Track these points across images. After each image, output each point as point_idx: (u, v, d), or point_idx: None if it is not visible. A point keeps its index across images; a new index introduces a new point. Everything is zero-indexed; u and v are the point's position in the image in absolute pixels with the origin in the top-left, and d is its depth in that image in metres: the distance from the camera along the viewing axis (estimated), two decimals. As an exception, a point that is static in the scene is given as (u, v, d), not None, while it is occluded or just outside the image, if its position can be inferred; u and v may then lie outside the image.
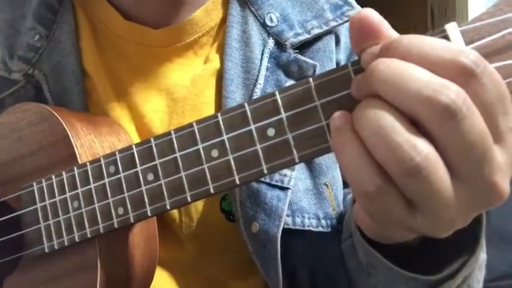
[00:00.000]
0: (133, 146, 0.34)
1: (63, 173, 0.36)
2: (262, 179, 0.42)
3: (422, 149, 0.22)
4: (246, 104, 0.30)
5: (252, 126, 0.29)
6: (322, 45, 0.46)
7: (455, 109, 0.21)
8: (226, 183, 0.30)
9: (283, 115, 0.29)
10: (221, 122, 0.30)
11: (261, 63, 0.44)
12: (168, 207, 0.32)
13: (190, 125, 0.32)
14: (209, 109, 0.46)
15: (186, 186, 0.31)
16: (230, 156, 0.30)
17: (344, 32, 0.49)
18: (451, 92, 0.21)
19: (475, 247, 0.30)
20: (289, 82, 0.45)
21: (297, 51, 0.45)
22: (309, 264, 0.47)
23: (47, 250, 0.37)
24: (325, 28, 0.45)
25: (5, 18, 0.48)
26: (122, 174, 0.34)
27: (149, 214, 0.33)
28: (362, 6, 0.47)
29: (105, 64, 0.47)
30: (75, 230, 0.35)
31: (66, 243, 0.36)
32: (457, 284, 0.31)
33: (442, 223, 0.24)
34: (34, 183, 0.38)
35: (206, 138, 0.31)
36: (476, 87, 0.21)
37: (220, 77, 0.45)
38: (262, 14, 0.45)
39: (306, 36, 0.45)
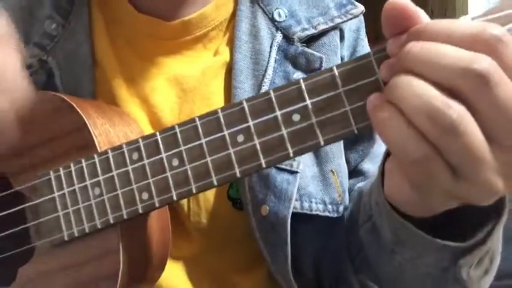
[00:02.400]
0: (158, 134, 0.37)
1: (83, 161, 0.40)
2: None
3: (457, 108, 0.26)
4: (271, 91, 0.34)
5: (278, 113, 0.33)
6: (328, 40, 0.51)
7: (488, 75, 0.25)
8: (252, 166, 0.34)
9: (308, 102, 0.33)
10: (246, 109, 0.34)
11: (269, 55, 0.49)
12: (193, 191, 0.36)
13: (215, 112, 0.36)
14: (219, 99, 0.50)
15: (211, 170, 0.35)
16: (256, 141, 0.34)
17: (348, 30, 0.53)
18: (483, 61, 0.26)
19: (500, 216, 0.35)
20: (297, 73, 0.49)
21: (304, 44, 0.50)
22: (314, 251, 0.51)
23: (66, 238, 0.40)
24: (330, 24, 0.50)
25: (23, 4, 0.51)
26: (145, 161, 0.37)
27: (174, 198, 0.36)
28: (366, 6, 0.53)
29: (116, 55, 0.50)
30: (96, 217, 0.39)
31: (87, 231, 0.39)
32: (483, 253, 0.36)
33: (484, 188, 0.28)
34: (51, 172, 0.41)
35: (231, 125, 0.35)
36: (503, 55, 0.26)
37: (230, 68, 0.50)
38: (271, 10, 0.50)
39: (313, 31, 0.50)
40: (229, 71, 0.50)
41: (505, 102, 0.26)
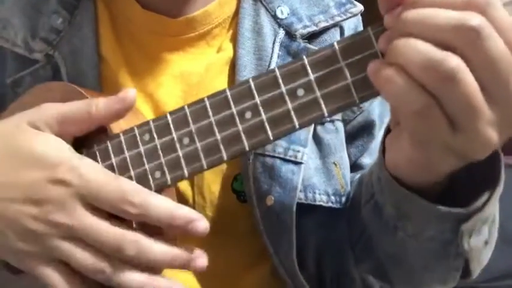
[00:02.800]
0: (168, 114, 0.39)
1: (95, 146, 0.42)
2: (277, 154, 0.49)
3: (454, 58, 0.29)
4: (276, 69, 0.36)
5: (283, 88, 0.36)
6: (328, 37, 0.54)
7: (480, 29, 0.28)
8: (261, 140, 0.36)
9: (311, 76, 0.35)
10: (253, 86, 0.37)
11: (272, 51, 0.51)
12: (204, 166, 0.38)
13: (223, 91, 0.38)
14: None
15: (221, 146, 0.37)
16: (263, 116, 0.36)
17: (347, 28, 0.56)
18: (475, 17, 0.29)
19: (496, 183, 0.37)
20: None
21: (306, 41, 0.52)
22: (316, 244, 0.52)
23: None
24: (331, 22, 0.53)
25: (30, 0, 0.53)
26: (157, 141, 0.39)
27: (186, 175, 0.38)
28: (365, 6, 0.57)
29: (121, 50, 0.53)
30: None
31: None
32: (482, 220, 0.38)
33: (479, 139, 0.30)
34: None
35: (239, 102, 0.37)
36: (493, 13, 0.29)
37: (233, 64, 0.52)
38: (273, 7, 0.53)
39: (314, 28, 0.52)
40: (233, 66, 0.52)
41: (496, 55, 0.29)
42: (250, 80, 0.37)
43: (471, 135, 0.31)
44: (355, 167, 0.56)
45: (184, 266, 0.39)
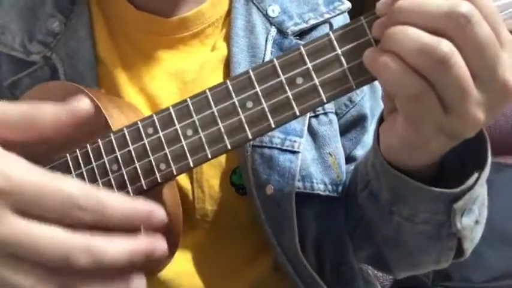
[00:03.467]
0: (170, 107, 0.42)
1: (99, 140, 0.44)
2: (274, 145, 0.52)
3: (447, 43, 0.32)
4: (274, 59, 0.39)
5: (282, 77, 0.38)
6: (318, 33, 0.56)
7: (469, 16, 0.31)
8: (263, 128, 0.39)
9: (309, 64, 0.38)
10: (253, 76, 0.39)
11: (265, 49, 0.54)
12: (209, 156, 0.40)
13: (224, 83, 0.40)
14: None
15: (224, 135, 0.39)
16: (264, 105, 0.39)
17: (336, 25, 0.59)
18: (465, 4, 0.32)
19: (484, 163, 0.40)
20: None
21: (297, 38, 0.55)
22: (315, 235, 0.55)
23: None
24: (320, 19, 0.56)
25: (26, 4, 0.56)
26: (161, 133, 0.41)
27: (191, 165, 0.40)
28: (364, 5, 0.60)
29: (117, 51, 0.55)
30: (116, 190, 0.43)
31: None
32: (473, 199, 0.41)
33: (469, 119, 0.33)
34: (67, 154, 0.46)
35: (240, 92, 0.39)
36: (480, 2, 0.32)
37: (228, 62, 0.55)
38: (265, 7, 0.56)
39: (304, 25, 0.56)
40: (227, 64, 0.55)
41: (484, 40, 0.32)
42: (250, 71, 0.40)
43: (461, 115, 0.34)
44: (349, 159, 0.59)
45: (147, 256, 0.33)
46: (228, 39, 0.56)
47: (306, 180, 0.53)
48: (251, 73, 0.40)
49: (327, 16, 0.57)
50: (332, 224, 0.55)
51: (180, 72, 0.55)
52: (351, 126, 0.60)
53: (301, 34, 0.56)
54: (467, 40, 0.32)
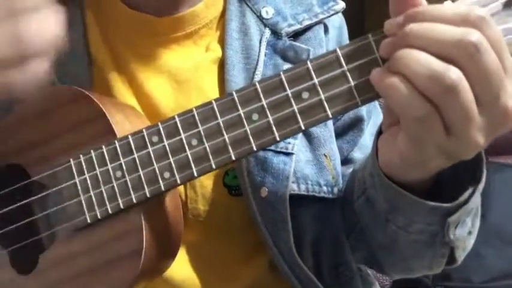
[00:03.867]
0: (176, 116, 0.42)
1: (103, 147, 0.44)
2: (268, 147, 0.53)
3: (455, 70, 0.33)
4: (281, 73, 0.40)
5: (288, 91, 0.39)
6: (313, 34, 0.58)
7: (479, 44, 0.33)
8: (268, 140, 0.40)
9: (316, 80, 0.39)
10: (259, 89, 0.40)
11: (259, 50, 0.55)
12: (213, 166, 0.41)
13: (230, 94, 0.41)
14: (213, 91, 0.55)
15: (229, 146, 0.40)
16: (270, 118, 0.40)
17: (331, 26, 0.60)
18: (475, 33, 0.33)
19: (479, 179, 0.42)
20: (286, 65, 0.55)
21: (292, 39, 0.56)
22: (312, 237, 0.56)
23: (89, 220, 0.44)
24: (314, 20, 0.57)
25: None
26: (165, 142, 0.42)
27: (195, 175, 0.41)
28: (365, 6, 0.61)
29: (111, 50, 0.55)
30: (119, 197, 0.43)
31: (110, 211, 0.43)
32: (467, 212, 0.43)
33: (470, 143, 0.35)
34: (71, 159, 0.46)
35: (246, 104, 0.40)
36: (488, 30, 0.34)
37: (222, 64, 0.55)
38: (258, 8, 0.57)
39: (299, 26, 0.57)
40: (222, 66, 0.55)
41: (491, 68, 0.34)
42: (257, 83, 0.41)
43: (462, 138, 0.35)
44: (346, 161, 0.60)
45: None
46: (222, 40, 0.56)
47: (301, 182, 0.54)
48: (257, 86, 0.41)
49: (321, 16, 0.58)
50: (328, 225, 0.57)
51: (174, 72, 0.56)
52: (348, 128, 0.61)
53: (296, 35, 0.57)
54: (475, 68, 0.34)
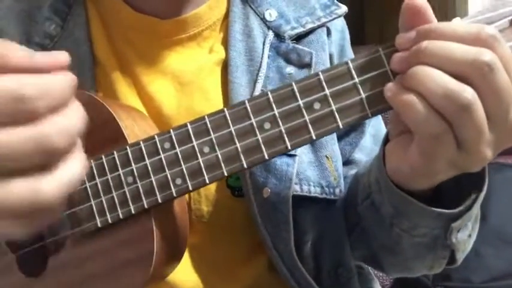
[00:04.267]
0: (188, 124, 0.43)
1: (115, 152, 0.45)
2: None
3: (470, 90, 0.35)
4: (293, 83, 0.41)
5: (300, 101, 0.41)
6: (315, 37, 0.59)
7: (492, 64, 0.35)
8: (279, 149, 0.41)
9: (327, 91, 0.40)
10: (271, 99, 0.41)
11: (263, 52, 0.57)
12: (225, 174, 0.42)
13: (242, 103, 0.42)
14: (216, 93, 0.56)
15: (241, 154, 0.42)
16: (282, 127, 0.41)
17: (334, 30, 0.61)
18: (488, 53, 0.35)
19: (482, 185, 0.44)
20: (289, 68, 0.57)
21: (294, 41, 0.58)
22: (313, 238, 0.57)
23: (99, 225, 0.45)
24: (317, 23, 0.58)
25: (23, 8, 0.56)
26: (178, 149, 0.43)
27: (207, 182, 0.42)
28: (365, 7, 0.63)
29: (115, 52, 0.56)
30: (130, 203, 0.44)
31: (121, 216, 0.44)
32: (470, 216, 0.45)
33: (479, 157, 0.37)
34: None
35: (258, 113, 0.41)
36: (500, 49, 0.35)
37: (225, 65, 0.56)
38: (262, 11, 0.58)
39: (301, 29, 0.58)
40: (225, 67, 0.57)
41: (503, 86, 0.36)
42: (269, 93, 0.42)
43: (472, 153, 0.37)
44: (348, 162, 0.62)
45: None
46: (225, 42, 0.57)
47: (303, 183, 0.56)
48: (270, 95, 0.42)
49: (323, 20, 0.59)
50: (329, 226, 0.58)
51: (177, 73, 0.57)
52: (350, 130, 0.62)
53: (298, 38, 0.58)
54: (488, 87, 0.36)
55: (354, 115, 0.40)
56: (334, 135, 0.60)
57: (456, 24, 0.37)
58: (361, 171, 0.56)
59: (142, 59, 0.57)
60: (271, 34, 0.58)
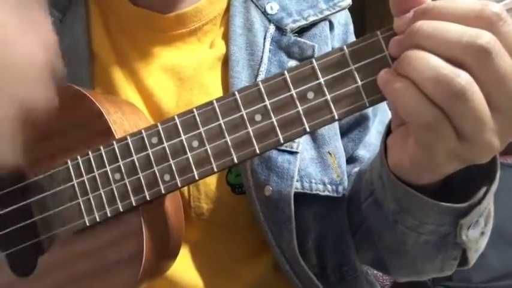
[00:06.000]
0: (176, 117, 0.40)
1: (101, 148, 0.42)
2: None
3: (465, 76, 0.31)
4: (285, 72, 0.37)
5: (293, 91, 0.37)
6: (318, 31, 0.55)
7: (490, 48, 0.30)
8: (271, 142, 0.37)
9: (321, 79, 0.36)
10: (262, 89, 0.37)
11: (264, 46, 0.53)
12: (215, 169, 0.38)
13: (232, 94, 0.38)
14: (216, 88, 0.53)
15: (231, 149, 0.38)
16: (273, 119, 0.37)
17: (337, 24, 0.58)
18: (485, 35, 0.30)
19: (494, 177, 0.40)
20: (291, 62, 0.53)
21: (296, 35, 0.54)
22: (316, 236, 0.54)
23: (88, 223, 0.42)
24: (320, 16, 0.55)
25: None
26: (165, 144, 0.39)
27: (197, 178, 0.39)
28: (365, 6, 0.59)
29: (114, 47, 0.54)
30: (118, 200, 0.41)
31: (109, 215, 0.41)
32: (480, 213, 0.40)
33: (484, 148, 0.33)
34: (69, 161, 0.43)
35: (249, 104, 0.38)
36: (502, 30, 0.31)
37: (226, 60, 0.53)
38: (263, 4, 0.54)
39: (304, 22, 0.54)
40: (226, 62, 0.53)
41: (504, 72, 0.31)
42: (260, 83, 0.38)
43: (476, 144, 0.33)
44: (351, 159, 0.58)
45: None
46: (226, 37, 0.54)
47: (305, 180, 0.52)
48: (261, 85, 0.38)
49: (326, 13, 0.56)
50: (332, 224, 0.55)
51: (177, 69, 0.54)
52: (353, 126, 0.59)
53: (301, 31, 0.55)
54: (487, 72, 0.31)
55: (350, 105, 0.36)
56: (337, 131, 0.56)
57: (457, 2, 0.32)
58: (364, 168, 0.53)
59: (142, 54, 0.54)
60: (272, 28, 0.54)
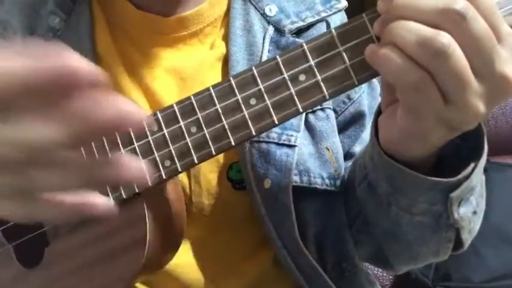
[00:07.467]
0: (174, 104, 0.41)
1: (103, 138, 0.44)
2: (271, 140, 0.51)
3: (445, 34, 0.32)
4: (277, 56, 0.38)
5: (285, 74, 0.38)
6: (315, 31, 0.56)
7: (465, 12, 0.31)
8: (266, 124, 0.38)
9: (312, 61, 0.37)
10: (256, 73, 0.38)
11: (263, 47, 0.54)
12: (213, 152, 0.39)
13: (227, 80, 0.39)
14: None
15: (228, 132, 0.39)
16: (268, 102, 0.38)
17: (333, 25, 0.58)
18: (460, 1, 0.31)
19: (481, 152, 0.40)
20: None
21: (294, 35, 0.55)
22: (316, 231, 0.54)
23: None
24: (317, 17, 0.55)
25: (27, 2, 0.55)
26: (165, 131, 0.40)
27: (196, 161, 0.39)
28: (364, 5, 0.60)
29: (117, 48, 0.55)
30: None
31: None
32: (469, 188, 0.40)
33: (470, 111, 0.33)
34: None
35: (243, 89, 0.39)
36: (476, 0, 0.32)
37: (226, 60, 0.54)
38: (262, 6, 0.55)
39: (301, 23, 0.55)
40: (226, 62, 0.54)
41: (479, 35, 0.32)
42: (253, 68, 0.39)
43: (461, 106, 0.33)
44: (348, 156, 0.58)
45: None
46: (226, 38, 0.55)
47: (303, 174, 0.52)
48: (254, 70, 0.39)
49: (323, 14, 0.56)
50: (331, 219, 0.55)
51: (178, 69, 0.55)
52: (350, 123, 0.59)
53: (299, 32, 0.56)
54: (464, 36, 0.32)
55: (340, 84, 0.37)
56: (335, 128, 0.56)
57: None
58: (358, 156, 0.53)
59: (145, 56, 0.55)
60: (271, 29, 0.55)
